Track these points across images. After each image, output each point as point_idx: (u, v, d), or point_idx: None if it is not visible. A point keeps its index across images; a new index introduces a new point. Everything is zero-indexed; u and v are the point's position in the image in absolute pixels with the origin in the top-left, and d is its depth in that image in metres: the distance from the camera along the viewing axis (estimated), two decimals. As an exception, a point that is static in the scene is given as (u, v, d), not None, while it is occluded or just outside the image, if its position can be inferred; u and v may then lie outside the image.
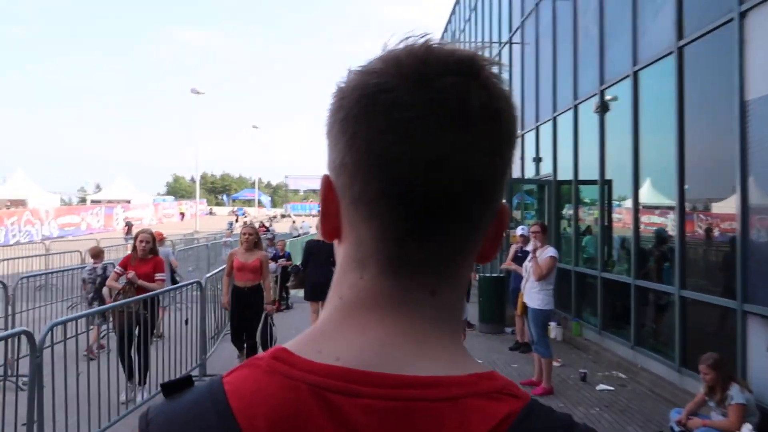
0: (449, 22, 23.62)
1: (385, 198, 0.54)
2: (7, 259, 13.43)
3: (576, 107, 9.64)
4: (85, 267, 9.15)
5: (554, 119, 10.61)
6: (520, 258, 8.57)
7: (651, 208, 7.98)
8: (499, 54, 14.54)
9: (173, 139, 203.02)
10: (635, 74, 7.76)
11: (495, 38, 15.52)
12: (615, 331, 8.44)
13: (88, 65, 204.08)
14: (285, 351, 0.55)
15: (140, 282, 6.21)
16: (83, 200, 66.88)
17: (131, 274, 6.19)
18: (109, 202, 55.46)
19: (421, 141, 0.53)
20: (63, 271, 11.15)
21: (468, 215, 0.56)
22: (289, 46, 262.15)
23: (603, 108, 8.55)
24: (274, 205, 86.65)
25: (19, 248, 22.25)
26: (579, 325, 9.25)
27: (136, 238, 6.58)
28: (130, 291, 6.08)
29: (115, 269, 6.63)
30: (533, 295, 6.34)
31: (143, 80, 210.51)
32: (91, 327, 6.89)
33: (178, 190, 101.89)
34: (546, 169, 11.21)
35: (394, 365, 0.53)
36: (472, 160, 0.54)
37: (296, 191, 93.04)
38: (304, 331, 0.59)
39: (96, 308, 6.80)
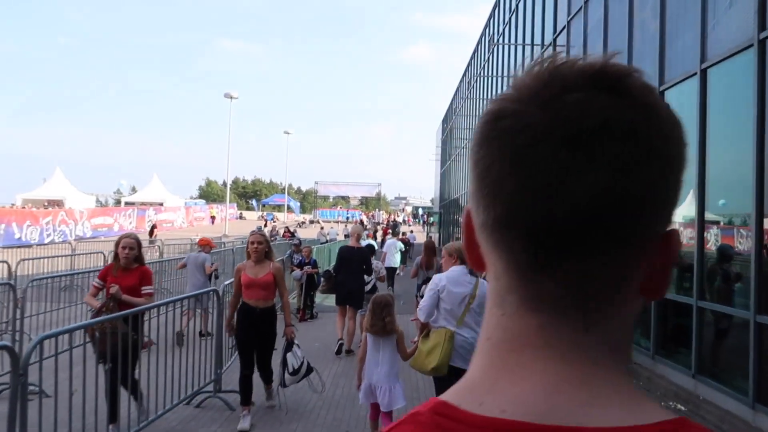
0: (486, 26, 22.93)
1: (505, 228, 0.52)
2: (30, 259, 13.17)
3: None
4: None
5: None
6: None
7: (715, 222, 7.15)
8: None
9: (208, 144, 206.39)
10: (703, 72, 6.97)
11: (537, 41, 14.78)
12: (671, 356, 7.61)
13: (130, 74, 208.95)
14: (446, 405, 0.53)
15: (124, 297, 5.16)
16: (118, 202, 67.92)
17: (114, 288, 5.12)
18: (143, 204, 56.17)
19: (535, 166, 0.50)
20: (83, 272, 10.83)
21: (602, 245, 0.51)
22: (325, 56, 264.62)
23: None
24: (303, 210, 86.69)
25: (44, 248, 22.25)
26: (629, 347, 8.40)
27: (117, 243, 5.45)
28: (114, 308, 5.05)
29: (94, 282, 5.58)
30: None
31: (183, 87, 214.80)
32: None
33: (210, 194, 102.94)
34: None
35: (565, 416, 0.49)
36: (596, 183, 0.49)
37: (326, 197, 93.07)
38: (459, 381, 0.56)
39: (85, 322, 5.70)
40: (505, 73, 18.46)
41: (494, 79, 20.32)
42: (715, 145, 6.85)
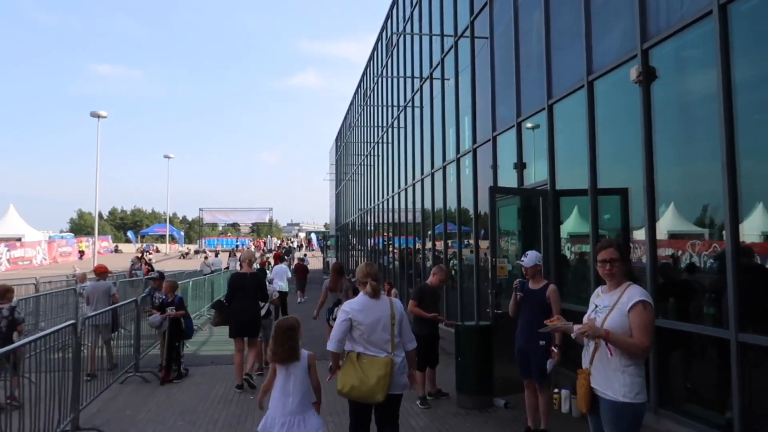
0: (384, 27, 21.23)
1: None
2: None
3: (591, 84, 6.98)
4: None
5: (550, 108, 7.94)
6: (526, 300, 5.74)
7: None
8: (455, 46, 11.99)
9: (81, 175, 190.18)
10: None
11: (436, 30, 13.06)
12: (684, 410, 5.65)
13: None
14: None
15: None
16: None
17: None
18: (0, 240, 48.86)
19: None
20: None
21: None
22: (209, 83, 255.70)
23: (647, 74, 5.88)
24: (189, 240, 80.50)
25: None
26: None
27: None
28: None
29: None
30: (613, 375, 3.39)
31: (52, 114, 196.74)
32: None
33: (83, 227, 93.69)
34: (536, 176, 8.51)
35: None
36: None
37: (214, 226, 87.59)
38: None
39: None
40: (402, 74, 16.74)
41: (392, 80, 18.58)
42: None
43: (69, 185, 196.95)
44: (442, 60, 13.08)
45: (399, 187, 18.61)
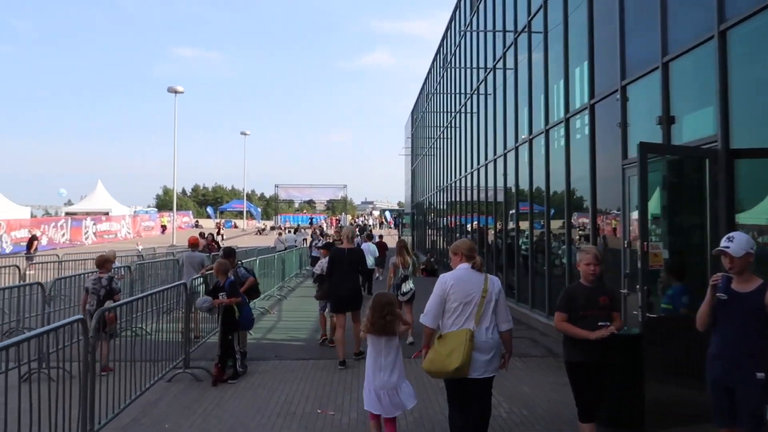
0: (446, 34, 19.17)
1: None
2: None
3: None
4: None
5: (722, 35, 5.78)
6: (729, 307, 3.75)
7: None
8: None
9: (166, 153, 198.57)
10: None
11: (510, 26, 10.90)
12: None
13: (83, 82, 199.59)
14: None
15: None
16: (56, 213, 62.01)
17: None
18: (87, 214, 50.82)
19: None
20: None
21: None
22: (278, 60, 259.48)
23: None
24: (267, 217, 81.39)
25: None
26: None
27: None
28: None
29: None
30: None
31: (139, 96, 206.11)
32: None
33: (167, 202, 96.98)
34: (690, 133, 6.40)
35: None
36: None
37: (290, 202, 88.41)
38: None
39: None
40: (491, 27, 14.69)
41: (478, 36, 16.57)
42: None
43: (155, 164, 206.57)
44: (545, 2, 10.94)
45: (478, 162, 16.61)
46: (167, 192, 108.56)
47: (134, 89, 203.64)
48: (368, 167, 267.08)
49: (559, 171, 10.15)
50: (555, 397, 6.46)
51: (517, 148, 12.77)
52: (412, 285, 9.45)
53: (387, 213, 74.70)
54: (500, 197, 14.56)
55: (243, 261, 13.08)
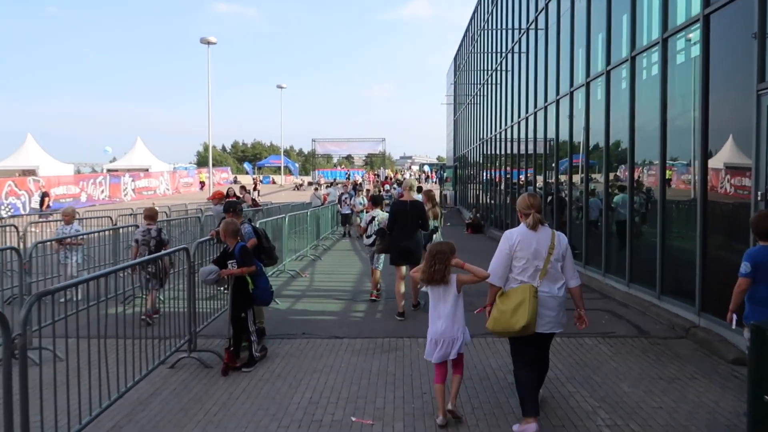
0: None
1: None
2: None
3: None
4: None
5: None
6: None
7: None
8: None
9: (205, 111, 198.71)
10: None
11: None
12: None
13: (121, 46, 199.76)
14: None
15: None
16: (94, 170, 62.34)
17: None
18: (128, 170, 50.66)
19: None
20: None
21: None
22: (319, 13, 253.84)
23: None
24: (306, 172, 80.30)
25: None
26: None
27: None
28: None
29: None
30: None
31: (177, 52, 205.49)
32: (146, 293, 7.32)
33: (208, 159, 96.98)
34: None
35: None
36: None
37: (328, 158, 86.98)
38: None
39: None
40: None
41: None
42: None
43: (196, 121, 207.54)
44: None
45: (536, 106, 14.57)
46: (207, 149, 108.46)
47: (174, 47, 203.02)
48: (407, 122, 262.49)
49: (649, 109, 8.20)
50: (669, 403, 4.82)
51: (588, 84, 10.76)
52: (440, 237, 9.11)
53: (426, 167, 72.33)
54: (567, 143, 12.62)
55: (268, 219, 11.71)
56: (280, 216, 12.89)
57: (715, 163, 6.65)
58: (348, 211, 20.16)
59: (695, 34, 6.95)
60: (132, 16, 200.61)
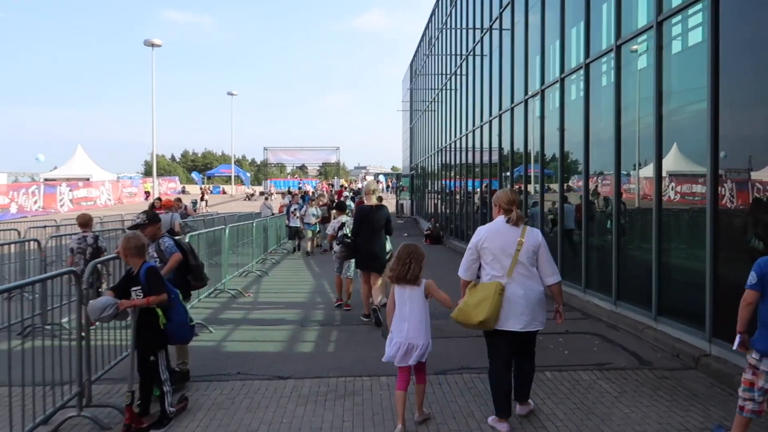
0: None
1: None
2: None
3: None
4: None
5: None
6: None
7: None
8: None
9: (150, 120, 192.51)
10: None
11: None
12: None
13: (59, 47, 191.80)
14: None
15: None
16: (33, 179, 58.68)
17: None
18: (68, 180, 47.58)
19: None
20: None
21: None
22: (275, 28, 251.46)
23: None
24: (258, 182, 77.85)
25: None
26: None
27: None
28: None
29: None
30: None
31: (125, 59, 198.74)
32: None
33: (157, 169, 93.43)
34: None
35: None
36: None
37: (282, 167, 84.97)
38: None
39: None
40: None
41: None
42: None
43: (143, 130, 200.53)
44: None
45: (500, 109, 13.63)
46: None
47: (121, 54, 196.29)
48: (362, 132, 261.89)
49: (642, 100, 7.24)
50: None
51: (563, 80, 9.81)
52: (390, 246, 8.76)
53: (381, 176, 71.32)
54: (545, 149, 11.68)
55: (203, 231, 10.27)
56: (219, 228, 11.38)
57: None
58: (296, 224, 18.48)
59: (700, 16, 6.00)
60: (74, 18, 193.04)
